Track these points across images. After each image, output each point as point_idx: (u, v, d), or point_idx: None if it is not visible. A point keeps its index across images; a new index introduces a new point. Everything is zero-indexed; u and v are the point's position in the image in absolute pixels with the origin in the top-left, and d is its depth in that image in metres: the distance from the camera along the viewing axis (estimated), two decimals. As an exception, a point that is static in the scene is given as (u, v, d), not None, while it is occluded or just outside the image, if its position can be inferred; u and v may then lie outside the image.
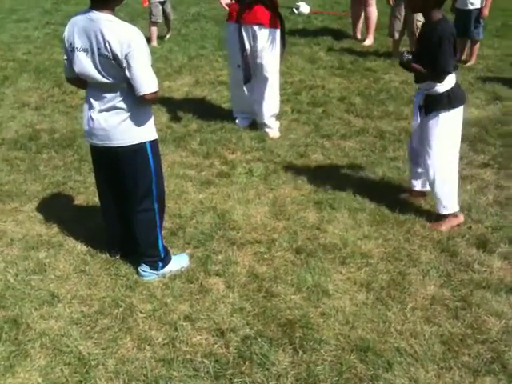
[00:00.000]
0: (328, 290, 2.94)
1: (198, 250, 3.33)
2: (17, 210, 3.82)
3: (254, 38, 4.77)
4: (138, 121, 2.83)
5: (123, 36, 2.62)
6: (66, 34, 2.79)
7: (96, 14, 2.65)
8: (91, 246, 3.36)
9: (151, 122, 2.92)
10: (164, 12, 8.62)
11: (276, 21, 4.77)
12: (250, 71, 4.84)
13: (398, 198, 3.83)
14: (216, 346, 2.62)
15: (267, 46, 4.78)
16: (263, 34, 4.74)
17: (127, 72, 2.65)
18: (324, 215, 3.67)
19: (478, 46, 7.02)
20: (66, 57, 2.85)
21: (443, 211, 3.46)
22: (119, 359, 2.55)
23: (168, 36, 8.88)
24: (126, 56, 2.62)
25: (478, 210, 3.66)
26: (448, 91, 3.31)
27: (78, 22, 2.72)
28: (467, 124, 5.02)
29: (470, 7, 6.86)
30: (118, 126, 2.81)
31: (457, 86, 3.38)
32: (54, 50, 8.26)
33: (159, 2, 8.50)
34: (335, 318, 2.75)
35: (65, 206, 3.89)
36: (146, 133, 2.88)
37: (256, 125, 5.17)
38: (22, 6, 12.29)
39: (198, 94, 6.20)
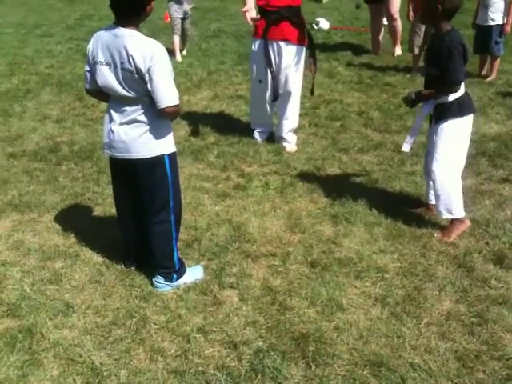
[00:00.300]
0: (342, 304, 2.92)
1: (212, 262, 3.33)
2: (35, 221, 3.87)
3: (280, 54, 4.78)
4: (158, 134, 2.87)
5: (146, 50, 2.66)
6: (89, 47, 2.84)
7: (120, 30, 2.70)
8: (107, 257, 3.39)
9: (170, 135, 2.95)
10: (182, 27, 8.77)
11: (303, 38, 4.78)
12: (277, 88, 4.83)
13: (414, 212, 3.80)
14: (228, 358, 2.61)
15: (292, 62, 4.78)
16: (289, 51, 4.75)
17: (149, 85, 2.69)
18: (340, 229, 3.65)
19: (498, 61, 6.97)
20: (88, 69, 2.90)
21: (448, 216, 3.48)
22: (131, 370, 2.56)
23: (184, 52, 8.99)
24: (148, 70, 2.66)
25: (496, 225, 3.61)
26: (458, 99, 3.33)
27: (102, 36, 2.78)
28: (486, 139, 5.01)
29: (491, 23, 6.83)
30: (137, 139, 2.85)
31: (466, 94, 3.40)
32: (76, 64, 8.42)
33: (179, 18, 8.66)
34: (349, 332, 2.72)
35: (82, 217, 3.93)
36: (165, 146, 2.92)
37: (273, 138, 5.18)
38: (46, 22, 12.57)
39: (217, 108, 6.25)
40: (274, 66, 4.81)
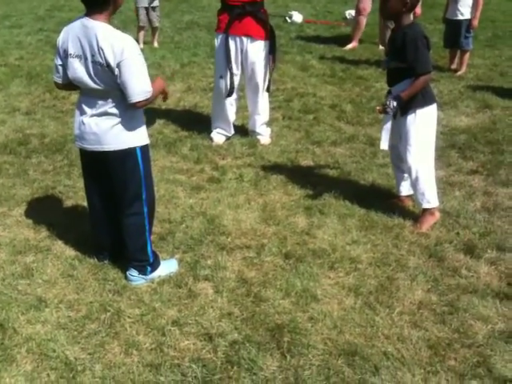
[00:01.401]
0: (316, 294, 2.94)
1: (187, 255, 3.32)
2: (5, 215, 3.80)
3: (243, 49, 4.74)
4: (129, 126, 2.84)
5: (117, 44, 2.63)
6: (60, 40, 2.80)
7: (91, 22, 2.67)
8: (79, 251, 3.35)
9: (143, 127, 2.93)
10: (148, 18, 8.69)
11: (266, 33, 4.74)
12: (233, 85, 4.79)
13: (386, 203, 3.85)
14: (204, 350, 2.61)
15: (257, 57, 4.75)
16: (252, 46, 4.72)
17: (119, 80, 2.67)
18: (314, 221, 3.67)
19: (467, 55, 7.08)
20: (59, 62, 2.85)
21: (427, 205, 3.54)
22: (106, 364, 2.54)
23: (156, 44, 8.89)
24: (118, 64, 2.63)
25: (466, 216, 3.68)
26: (421, 90, 3.38)
27: (73, 28, 2.73)
28: (456, 131, 5.10)
29: (460, 18, 6.93)
30: (108, 131, 2.82)
31: (427, 85, 3.47)
32: (46, 56, 8.26)
33: (143, 8, 8.58)
34: (323, 322, 2.75)
35: (54, 210, 3.87)
36: (137, 138, 2.89)
37: (247, 131, 5.18)
38: (16, 13, 12.29)
39: (190, 101, 6.22)
40: (235, 62, 4.77)
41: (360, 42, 8.73)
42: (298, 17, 10.50)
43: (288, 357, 2.55)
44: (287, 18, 10.54)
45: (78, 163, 4.50)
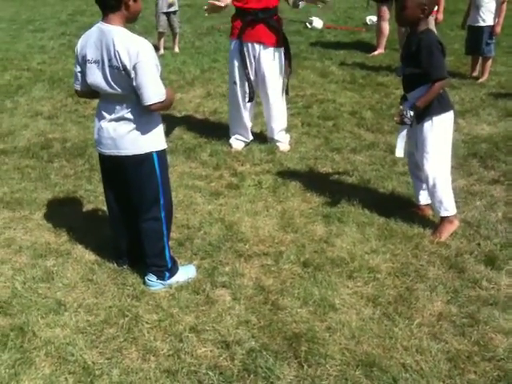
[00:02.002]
0: (334, 304, 2.93)
1: (205, 261, 3.33)
2: (26, 218, 3.85)
3: (256, 56, 4.75)
4: (146, 131, 2.87)
5: (132, 47, 2.66)
6: (78, 46, 2.85)
7: (107, 26, 2.71)
8: (99, 255, 3.38)
9: (160, 132, 2.95)
10: (170, 24, 8.76)
11: (279, 40, 4.74)
12: (252, 89, 4.81)
13: (406, 212, 3.81)
14: (221, 358, 2.61)
15: (269, 65, 4.76)
16: (265, 53, 4.73)
17: (134, 82, 2.69)
18: (332, 229, 3.66)
19: (489, 62, 7.00)
20: (78, 69, 2.90)
21: (445, 213, 3.51)
22: (124, 369, 2.55)
23: (176, 49, 8.95)
24: (134, 67, 2.66)
25: (487, 226, 3.63)
26: (437, 96, 3.34)
27: (91, 34, 2.79)
28: (478, 140, 5.04)
29: (482, 24, 6.85)
30: (125, 136, 2.86)
31: (444, 91, 3.43)
32: (69, 60, 8.37)
33: (164, 13, 8.66)
34: (341, 332, 2.73)
35: (74, 214, 3.91)
36: (153, 143, 2.92)
37: (266, 137, 5.18)
38: (39, 17, 12.49)
39: (210, 106, 6.24)
40: (250, 68, 4.78)
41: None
42: (318, 22, 10.49)
43: (305, 366, 2.53)
44: (307, 23, 10.54)
45: (99, 168, 4.56)
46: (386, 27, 8.48)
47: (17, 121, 5.83)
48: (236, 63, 4.80)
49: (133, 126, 2.84)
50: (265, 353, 2.60)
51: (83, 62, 2.82)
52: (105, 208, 3.88)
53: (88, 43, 2.78)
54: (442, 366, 2.51)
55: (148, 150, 2.89)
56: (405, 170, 4.46)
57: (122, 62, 2.66)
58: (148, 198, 2.99)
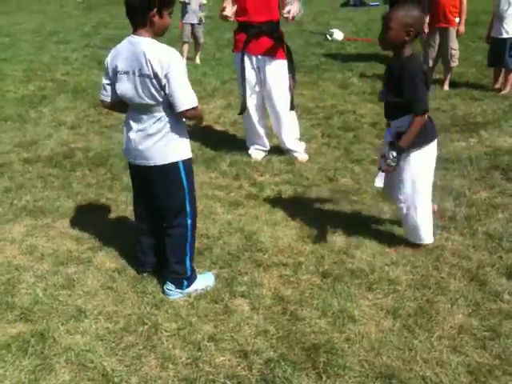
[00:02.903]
0: (354, 315, 2.91)
1: (224, 271, 3.34)
2: (49, 226, 3.91)
3: (260, 68, 4.79)
4: (173, 141, 2.92)
5: (163, 56, 2.73)
6: (108, 59, 2.92)
7: (137, 38, 2.78)
8: (119, 264, 3.41)
9: (186, 142, 3.00)
10: (194, 34, 8.89)
11: (283, 53, 4.78)
12: (245, 102, 4.85)
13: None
14: (239, 367, 2.61)
15: (273, 76, 4.78)
16: (269, 65, 4.76)
17: (167, 90, 2.75)
18: (352, 240, 3.64)
19: (512, 74, 6.95)
20: (107, 81, 2.96)
21: (419, 242, 3.44)
22: (142, 377, 2.56)
23: (198, 61, 9.05)
24: (166, 75, 2.72)
25: (510, 239, 3.57)
26: (421, 127, 3.13)
27: (121, 46, 2.86)
28: (500, 152, 4.99)
29: (505, 36, 6.81)
30: (152, 146, 2.91)
31: (428, 120, 3.23)
32: (92, 71, 8.52)
33: (189, 24, 8.81)
34: (360, 344, 2.71)
35: (96, 222, 3.95)
36: (180, 152, 2.96)
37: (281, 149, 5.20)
38: (63, 29, 12.72)
39: (230, 117, 6.29)
40: (256, 81, 4.82)
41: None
42: (338, 34, 10.53)
43: (324, 377, 2.52)
44: (328, 35, 10.58)
45: (121, 177, 4.63)
46: None
47: (41, 130, 5.93)
48: (240, 75, 4.84)
49: (160, 136, 2.89)
50: (283, 363, 2.59)
51: (114, 73, 2.88)
52: (126, 216, 3.95)
53: (119, 55, 2.85)
54: (463, 379, 2.47)
55: (174, 160, 2.94)
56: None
57: (153, 71, 2.72)
58: (175, 206, 3.04)
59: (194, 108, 2.82)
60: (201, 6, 9.04)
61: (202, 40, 9.09)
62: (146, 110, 2.86)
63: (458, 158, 4.84)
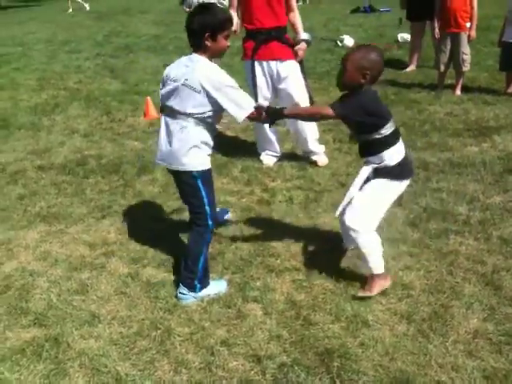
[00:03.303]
0: (367, 320, 2.89)
1: (236, 276, 3.33)
2: (62, 232, 3.93)
3: (273, 73, 4.79)
4: (192, 152, 3.02)
5: (213, 74, 2.92)
6: (166, 69, 3.11)
7: (195, 56, 2.99)
8: (132, 269, 3.43)
9: (205, 154, 3.10)
10: None
11: (292, 54, 4.78)
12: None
13: (440, 229, 3.76)
14: (252, 372, 2.60)
15: (289, 76, 4.78)
16: (283, 67, 4.76)
17: (221, 104, 2.92)
18: (364, 245, 3.62)
19: (525, 78, 6.90)
20: (161, 87, 3.14)
21: (373, 272, 3.09)
22: (156, 381, 2.56)
23: None
24: (214, 91, 2.89)
25: (525, 243, 3.55)
26: (400, 163, 3.00)
27: (180, 60, 3.07)
28: (514, 156, 4.96)
29: (517, 40, 6.78)
30: (176, 152, 3.03)
31: (406, 157, 3.08)
32: (104, 79, 8.58)
33: None
34: (374, 348, 2.69)
35: (108, 228, 3.98)
36: (197, 163, 3.06)
37: (296, 154, 5.19)
38: (75, 38, 12.84)
39: (241, 123, 6.28)
40: (267, 87, 4.83)
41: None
42: (349, 40, 10.52)
43: (337, 382, 2.50)
44: (338, 41, 10.58)
45: (133, 184, 4.66)
46: (418, 44, 8.53)
47: (54, 138, 5.98)
48: (251, 83, 4.84)
49: (181, 144, 3.01)
50: (296, 368, 2.58)
51: (166, 80, 3.06)
52: (139, 222, 3.97)
53: (175, 65, 3.06)
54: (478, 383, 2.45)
55: (191, 169, 3.04)
56: (438, 186, 4.42)
57: (202, 86, 2.88)
58: (196, 206, 3.13)
59: (249, 115, 2.99)
60: None
61: None
62: (177, 116, 3.00)
63: (472, 163, 4.81)
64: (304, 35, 4.82)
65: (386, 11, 15.01)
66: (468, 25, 6.91)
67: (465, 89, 7.15)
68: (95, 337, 2.85)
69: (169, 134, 3.05)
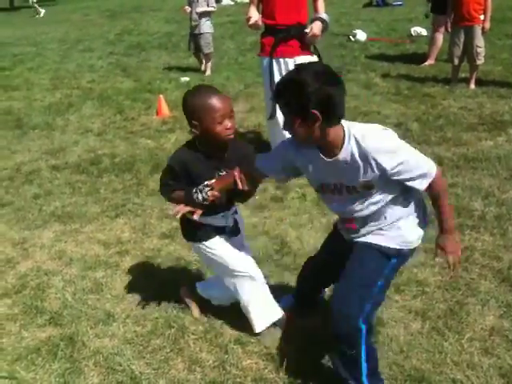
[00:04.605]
0: (382, 318, 2.87)
1: (250, 274, 3.33)
2: (77, 231, 3.96)
3: (290, 69, 4.73)
4: None
5: None
6: None
7: None
8: (146, 267, 3.44)
9: None
10: (196, 44, 8.80)
11: (310, 51, 4.74)
12: (275, 107, 4.77)
13: (455, 224, 3.71)
14: (266, 370, 2.59)
15: None
16: (299, 61, 4.72)
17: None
18: (378, 241, 3.59)
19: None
20: None
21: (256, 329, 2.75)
22: (170, 380, 2.57)
23: (207, 72, 8.83)
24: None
25: (542, 238, 3.50)
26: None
27: None
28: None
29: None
30: None
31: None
32: (117, 78, 8.62)
33: (190, 35, 8.74)
34: (389, 346, 2.67)
35: (123, 227, 4.00)
36: None
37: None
38: (88, 37, 12.90)
39: (253, 120, 6.29)
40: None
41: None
42: (361, 35, 10.46)
43: (352, 380, 2.49)
44: (351, 36, 10.52)
45: (147, 182, 4.68)
46: (439, 38, 8.34)
47: (68, 138, 6.02)
48: (268, 80, 4.80)
49: None
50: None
51: None
52: (151, 220, 3.98)
53: None
54: (495, 381, 2.42)
55: None
56: (453, 181, 4.38)
57: None
58: None
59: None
60: (203, 13, 8.68)
61: (207, 51, 8.77)
62: None
63: (486, 157, 4.76)
64: (322, 14, 4.67)
65: (398, 5, 14.89)
66: (481, 17, 6.83)
67: (479, 82, 7.07)
68: (110, 335, 2.87)
69: None
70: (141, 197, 4.45)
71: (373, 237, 2.33)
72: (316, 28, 4.57)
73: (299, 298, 2.96)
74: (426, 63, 8.41)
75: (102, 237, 3.86)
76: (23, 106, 7.47)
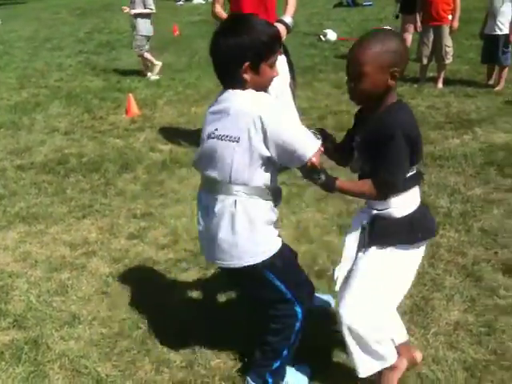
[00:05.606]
0: (349, 314, 2.88)
1: (217, 271, 3.31)
2: (42, 232, 3.89)
3: None
4: None
5: None
6: None
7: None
8: (113, 268, 3.40)
9: None
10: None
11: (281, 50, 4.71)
12: None
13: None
14: (234, 369, 2.59)
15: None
16: None
17: None
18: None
19: (506, 71, 6.93)
20: None
21: (385, 365, 2.22)
22: (137, 381, 2.54)
23: (148, 75, 8.57)
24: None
25: (505, 235, 3.56)
26: (410, 217, 2.10)
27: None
28: (495, 148, 4.99)
29: (498, 32, 6.81)
30: None
31: (422, 210, 2.18)
32: (86, 77, 8.51)
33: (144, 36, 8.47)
34: (356, 343, 2.68)
35: (89, 228, 3.94)
36: None
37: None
38: (57, 35, 12.72)
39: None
40: None
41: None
42: (332, 35, 10.54)
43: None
44: (321, 36, 10.59)
45: (115, 182, 4.62)
46: (408, 38, 8.40)
47: (34, 137, 5.92)
48: None
49: None
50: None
51: None
52: (119, 221, 3.93)
53: None
54: (459, 375, 2.45)
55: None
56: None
57: None
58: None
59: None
60: (139, 15, 8.29)
61: (138, 53, 8.40)
62: None
63: (453, 155, 4.83)
64: (287, 18, 4.53)
65: (368, 5, 15.04)
66: (450, 17, 6.94)
67: (447, 81, 7.18)
68: (75, 338, 2.82)
69: None
70: (108, 197, 4.39)
71: None
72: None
73: None
74: None
75: (68, 238, 3.80)
76: (-11, 105, 7.32)
